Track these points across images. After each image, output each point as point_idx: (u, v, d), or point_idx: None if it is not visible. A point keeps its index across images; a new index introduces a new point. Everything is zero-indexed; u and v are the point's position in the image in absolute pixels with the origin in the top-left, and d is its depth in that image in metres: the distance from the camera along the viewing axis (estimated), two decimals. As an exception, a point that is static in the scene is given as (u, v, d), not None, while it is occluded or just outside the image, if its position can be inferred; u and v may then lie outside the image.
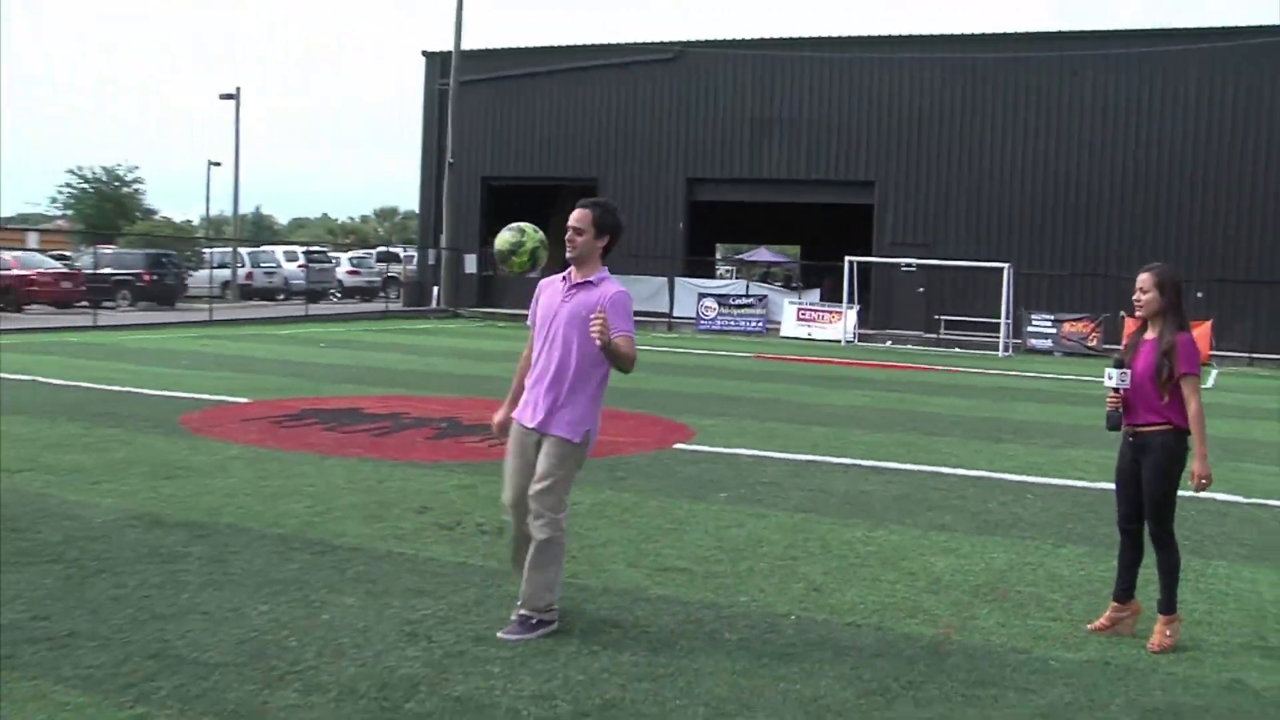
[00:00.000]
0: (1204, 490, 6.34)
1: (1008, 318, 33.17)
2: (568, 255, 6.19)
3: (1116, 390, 6.43)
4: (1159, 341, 6.31)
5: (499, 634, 5.98)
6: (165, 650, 5.62)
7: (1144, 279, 6.42)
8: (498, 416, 6.45)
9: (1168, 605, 6.34)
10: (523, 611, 6.06)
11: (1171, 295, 6.35)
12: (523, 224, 6.35)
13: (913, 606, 6.86)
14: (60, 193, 75.47)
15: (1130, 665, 5.94)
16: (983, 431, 14.72)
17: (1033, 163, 36.87)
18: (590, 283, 6.15)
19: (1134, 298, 6.46)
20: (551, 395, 6.12)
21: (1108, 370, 6.48)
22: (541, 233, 6.34)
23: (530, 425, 6.13)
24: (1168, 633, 6.28)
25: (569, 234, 6.15)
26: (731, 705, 5.17)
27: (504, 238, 6.28)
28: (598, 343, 5.89)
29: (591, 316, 5.92)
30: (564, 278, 6.27)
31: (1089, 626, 6.52)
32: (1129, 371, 6.40)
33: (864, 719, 5.09)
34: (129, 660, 5.47)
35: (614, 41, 43.33)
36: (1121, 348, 6.70)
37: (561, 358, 6.12)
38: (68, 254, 48.24)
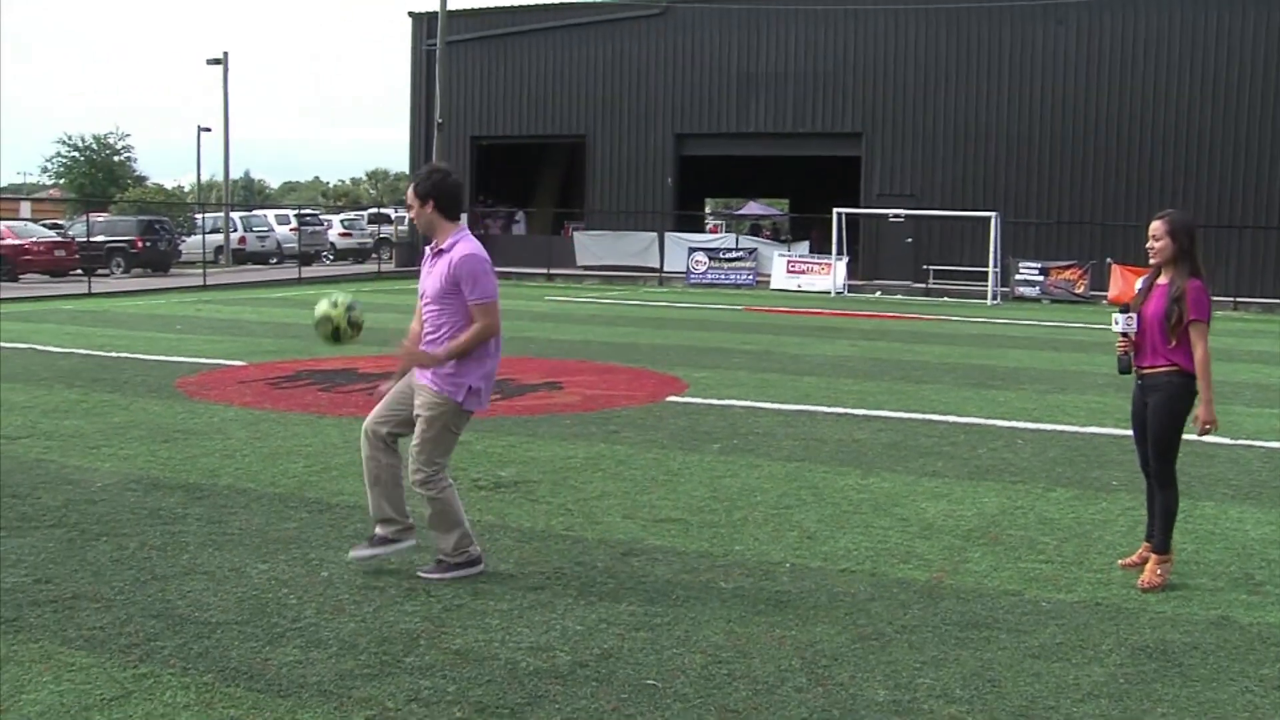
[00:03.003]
0: (1208, 434, 6.41)
1: (996, 266, 33.21)
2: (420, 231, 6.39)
3: (1125, 335, 6.51)
4: (1170, 287, 6.35)
5: (419, 571, 6.29)
6: (167, 610, 5.70)
7: (1156, 226, 6.45)
8: (383, 386, 6.56)
9: (1161, 545, 6.42)
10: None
11: (1184, 242, 6.37)
12: (332, 301, 6.37)
13: (905, 552, 6.95)
14: (51, 162, 75.23)
15: (1120, 605, 6.03)
16: (972, 378, 14.80)
17: (1019, 111, 36.78)
18: (443, 250, 6.19)
19: (1147, 245, 6.50)
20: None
21: (1114, 315, 6.56)
22: (344, 310, 6.36)
23: (417, 381, 6.27)
24: (1158, 572, 6.36)
25: (410, 213, 6.42)
26: (728, 653, 5.26)
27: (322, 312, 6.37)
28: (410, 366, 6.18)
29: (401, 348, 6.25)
30: (429, 245, 6.36)
31: (1120, 562, 6.67)
32: (1134, 316, 6.47)
33: (860, 663, 5.17)
34: (132, 621, 5.54)
35: (600, -2, 43.13)
36: (1108, 295, 6.78)
37: (434, 326, 6.21)
38: (60, 223, 48.08)
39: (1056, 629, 5.64)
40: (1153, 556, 6.44)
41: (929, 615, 5.81)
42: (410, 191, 6.29)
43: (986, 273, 33.18)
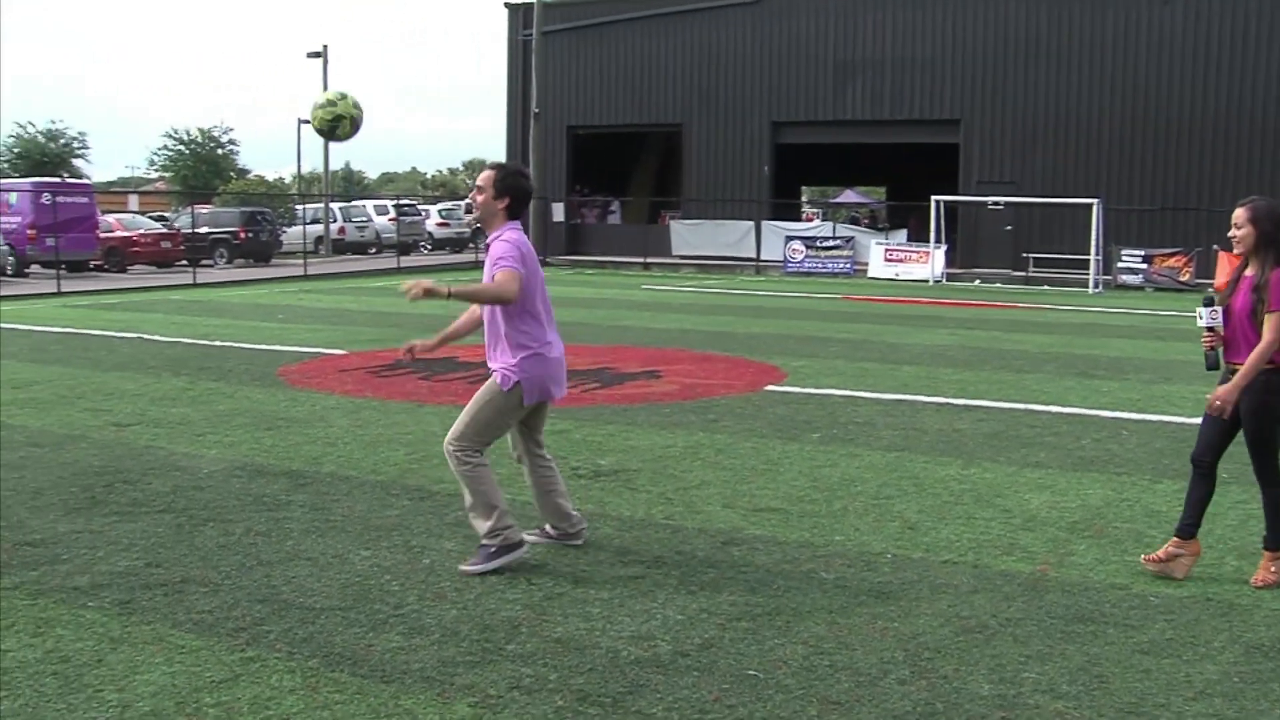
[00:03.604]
0: (1214, 413, 6.15)
1: (1097, 254, 32.59)
2: (474, 215, 6.40)
3: (1211, 329, 6.28)
4: (1256, 276, 6.12)
5: (461, 566, 6.24)
6: (273, 595, 5.78)
7: (1238, 214, 6.20)
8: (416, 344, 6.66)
9: (1274, 542, 6.21)
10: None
11: (1268, 229, 6.09)
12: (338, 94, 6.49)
13: (1008, 543, 6.85)
14: (158, 155, 76.63)
15: (1233, 601, 5.89)
16: (1075, 368, 14.56)
17: (1122, 94, 36.06)
18: (490, 243, 6.28)
19: (1229, 234, 6.26)
20: (489, 346, 6.36)
21: (1199, 309, 6.32)
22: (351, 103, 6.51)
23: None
24: (1273, 569, 6.17)
25: (473, 191, 6.38)
26: (830, 644, 5.22)
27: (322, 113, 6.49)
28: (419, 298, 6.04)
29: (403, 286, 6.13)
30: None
31: (1144, 557, 6.37)
32: (1219, 309, 6.24)
33: (963, 656, 5.10)
34: (239, 605, 5.63)
35: (696, -14, 43.00)
36: (1214, 283, 6.53)
37: (490, 319, 6.32)
38: (166, 215, 49.07)
39: (1166, 624, 5.53)
40: (1265, 554, 6.25)
41: (1033, 608, 5.72)
42: (488, 178, 6.28)
43: (1088, 260, 32.57)
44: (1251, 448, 6.20)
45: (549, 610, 5.61)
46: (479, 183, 6.32)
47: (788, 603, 5.75)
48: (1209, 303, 6.30)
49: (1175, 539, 6.31)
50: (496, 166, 6.37)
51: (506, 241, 6.15)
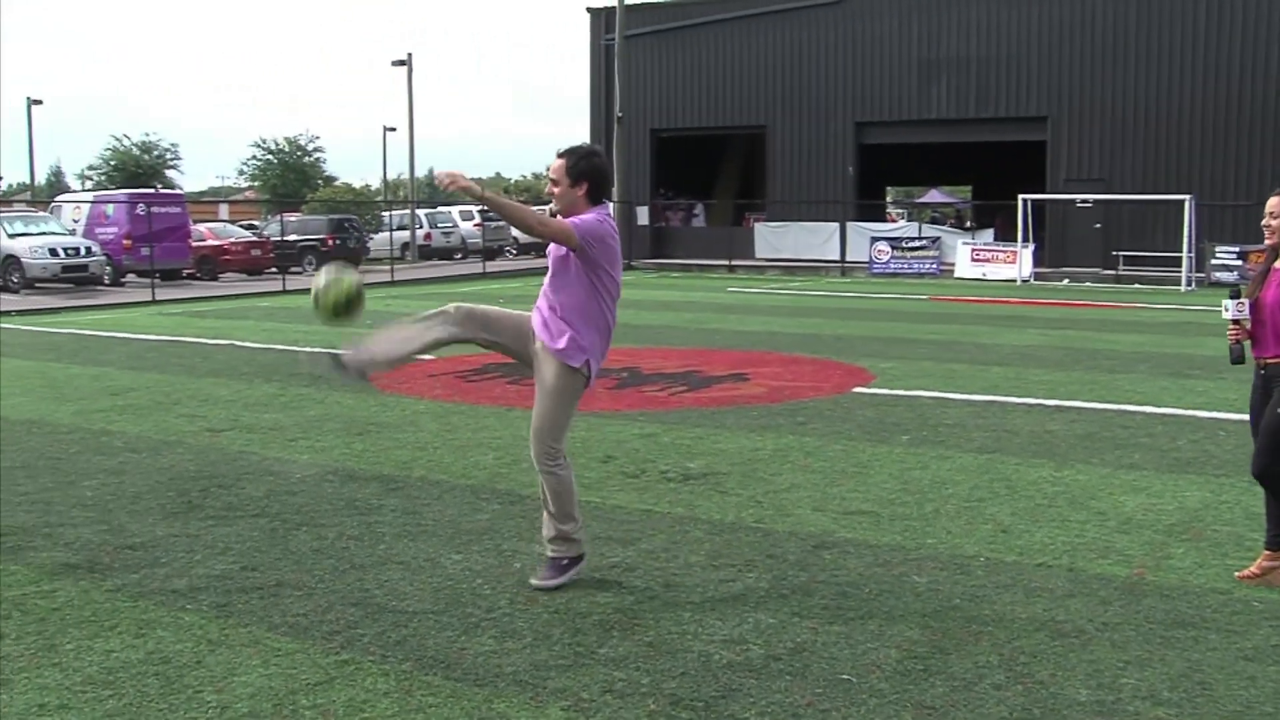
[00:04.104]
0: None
1: (1190, 251, 31.99)
2: (552, 208, 6.03)
3: (1237, 322, 6.08)
4: None
5: (532, 581, 6.00)
6: (366, 599, 5.84)
7: (1275, 203, 5.93)
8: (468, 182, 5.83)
9: (1276, 540, 6.03)
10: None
11: None
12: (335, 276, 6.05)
13: (1104, 546, 6.74)
14: (246, 165, 77.94)
15: (1337, 603, 5.76)
16: (1169, 367, 14.31)
17: (1215, 88, 35.39)
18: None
19: (1264, 223, 6.01)
20: (548, 319, 6.01)
21: (1224, 302, 6.12)
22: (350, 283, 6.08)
23: (538, 339, 6.05)
24: (1269, 566, 6.00)
25: (548, 187, 6.02)
26: (924, 648, 5.17)
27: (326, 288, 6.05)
28: (450, 188, 5.74)
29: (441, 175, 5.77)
30: None
31: (1237, 575, 6.15)
32: (1246, 302, 6.04)
33: (1060, 661, 5.03)
34: (333, 609, 5.69)
35: (778, -13, 42.87)
36: (1251, 277, 6.28)
37: (560, 301, 5.95)
38: (255, 223, 49.77)
39: (1271, 630, 5.41)
40: (1265, 552, 6.07)
41: (1131, 613, 5.63)
42: (560, 167, 5.90)
43: (1180, 258, 32.01)
44: (1265, 439, 6.00)
45: (640, 614, 5.61)
46: (551, 174, 5.96)
47: (880, 606, 5.71)
48: (1235, 295, 6.10)
49: (1267, 551, 6.14)
50: (566, 152, 5.95)
51: (592, 219, 5.85)
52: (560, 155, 5.95)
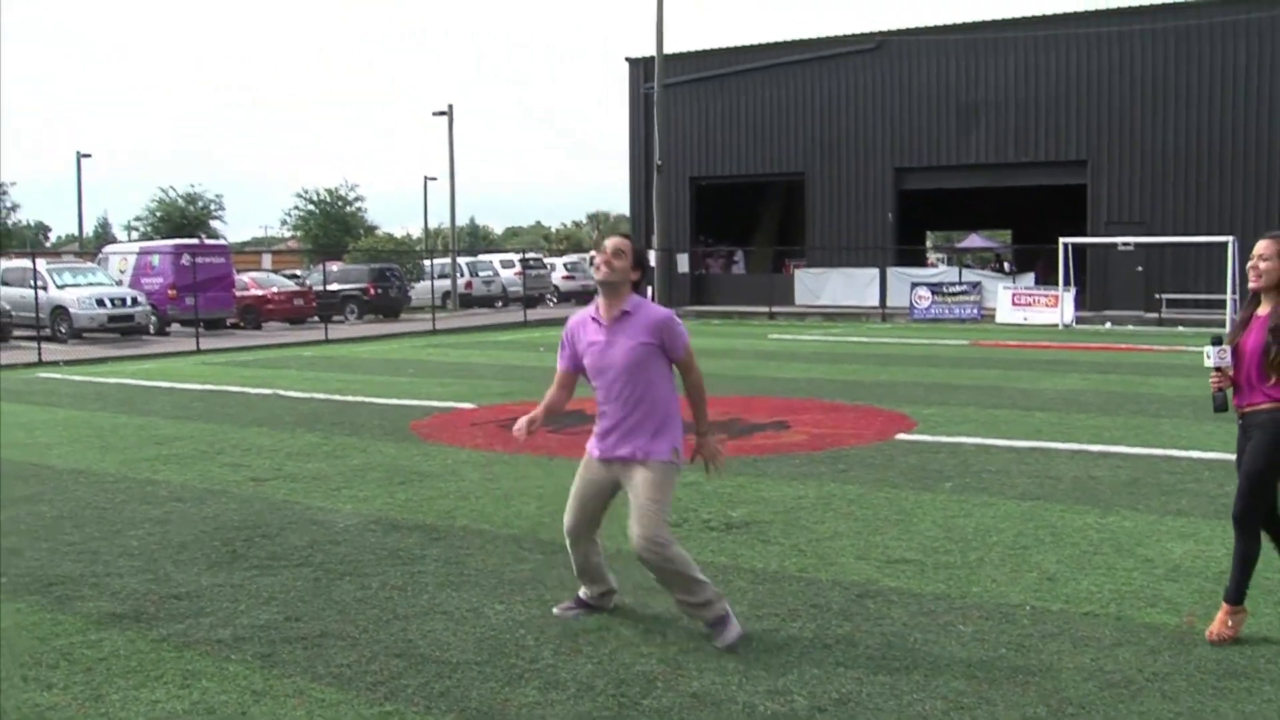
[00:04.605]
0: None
1: (1234, 293, 31.75)
2: (603, 278, 5.92)
3: (1219, 370, 5.98)
4: (1272, 315, 5.77)
5: (717, 643, 5.81)
6: (409, 649, 5.84)
7: (1264, 246, 5.80)
8: (519, 425, 6.21)
9: (1237, 595, 5.88)
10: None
11: None
12: None
13: (1152, 595, 6.67)
14: (289, 215, 78.69)
15: (1391, 652, 5.66)
16: (1214, 412, 14.15)
17: (1255, 130, 35.27)
18: (628, 312, 5.94)
19: (1249, 265, 5.87)
20: (633, 423, 5.96)
21: (1206, 349, 6.01)
22: None
23: (614, 456, 6.03)
24: (1229, 624, 5.86)
25: (606, 257, 5.91)
26: (970, 698, 5.12)
27: None
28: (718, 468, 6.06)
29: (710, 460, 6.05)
30: (593, 318, 6.05)
31: (1209, 636, 5.89)
32: (1228, 349, 5.93)
33: (1109, 712, 4.97)
34: (376, 659, 5.70)
35: (814, 35, 43.09)
36: (1233, 324, 6.15)
37: (628, 398, 5.94)
38: (298, 272, 50.21)
39: (1323, 678, 5.33)
40: (1225, 606, 5.91)
41: (1181, 663, 5.56)
42: (629, 246, 5.98)
43: (1224, 300, 31.79)
44: (1243, 484, 5.90)
45: (684, 664, 5.58)
46: (619, 248, 5.93)
47: (925, 656, 5.66)
48: (1217, 341, 6.00)
49: (1227, 606, 5.97)
50: (630, 237, 6.09)
51: (674, 319, 6.01)
52: (625, 236, 6.08)
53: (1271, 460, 5.85)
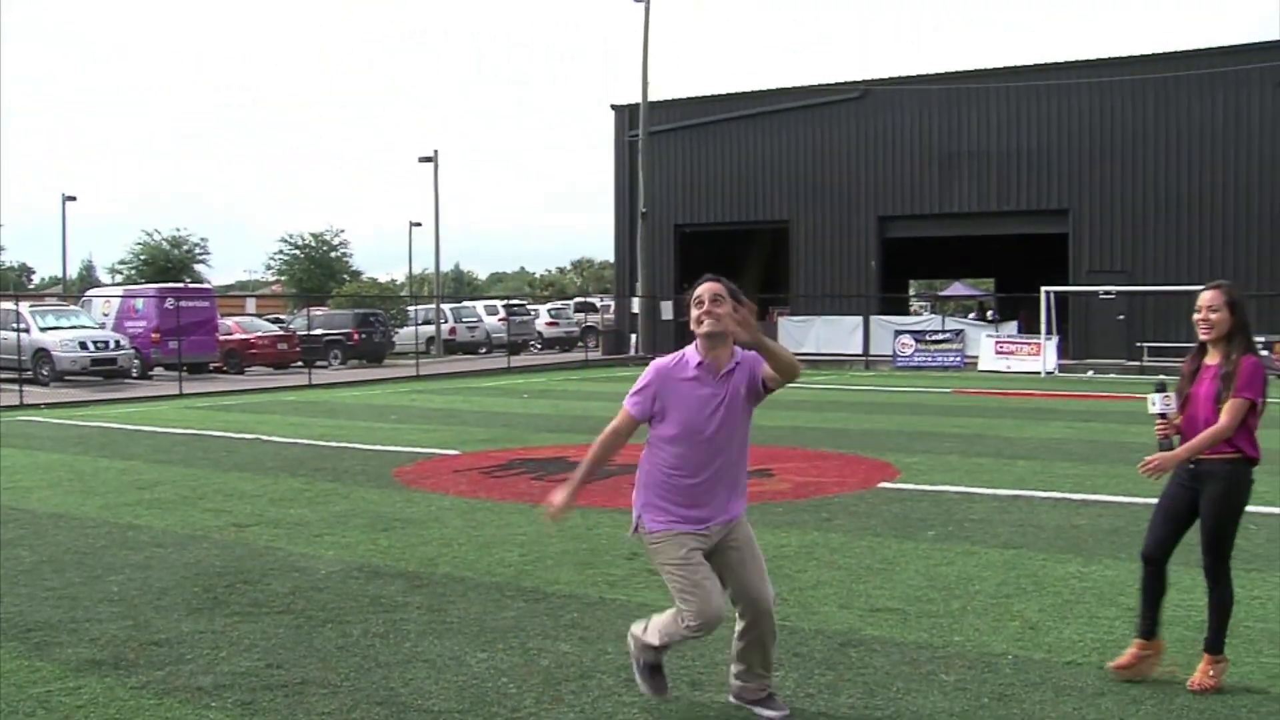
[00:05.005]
0: (1149, 472, 6.01)
1: (1216, 342, 31.88)
2: (708, 329, 5.29)
3: (1163, 416, 6.03)
4: (1222, 364, 5.85)
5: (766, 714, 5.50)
6: (391, 698, 5.81)
7: (1211, 297, 5.85)
8: (559, 498, 5.58)
9: (1215, 644, 5.93)
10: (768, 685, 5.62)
11: (1241, 315, 5.84)
12: None
13: (1135, 644, 6.67)
14: (274, 259, 78.58)
15: (1372, 703, 5.68)
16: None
17: (1235, 180, 35.61)
18: (740, 364, 5.38)
19: (1196, 318, 5.91)
20: (734, 490, 5.50)
21: (1150, 396, 6.07)
22: None
23: (720, 521, 5.46)
24: (1211, 673, 5.89)
25: (708, 305, 5.30)
26: (952, 747, 5.12)
27: None
28: (745, 337, 5.13)
29: (732, 313, 5.21)
30: (696, 367, 5.37)
31: (1109, 665, 6.09)
32: (1172, 395, 5.98)
33: (1090, 760, 4.97)
34: (358, 707, 5.67)
35: (799, 84, 43.41)
36: (1182, 374, 6.22)
37: (738, 457, 5.46)
38: (282, 317, 50.16)
39: (1304, 729, 5.34)
40: (1205, 656, 5.95)
41: (1163, 712, 5.56)
42: (725, 293, 5.30)
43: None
44: (1208, 539, 5.94)
45: (666, 714, 5.57)
46: (717, 293, 5.34)
47: (908, 706, 5.65)
48: (1161, 388, 6.05)
49: (1138, 641, 6.08)
50: (721, 280, 5.44)
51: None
52: (716, 279, 5.44)
53: (1233, 509, 5.90)
